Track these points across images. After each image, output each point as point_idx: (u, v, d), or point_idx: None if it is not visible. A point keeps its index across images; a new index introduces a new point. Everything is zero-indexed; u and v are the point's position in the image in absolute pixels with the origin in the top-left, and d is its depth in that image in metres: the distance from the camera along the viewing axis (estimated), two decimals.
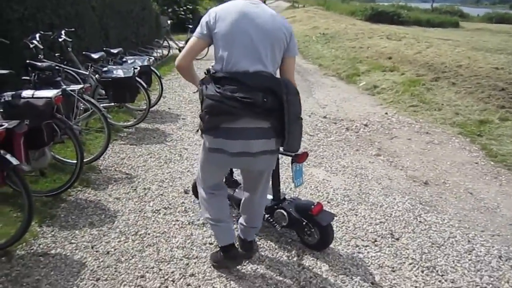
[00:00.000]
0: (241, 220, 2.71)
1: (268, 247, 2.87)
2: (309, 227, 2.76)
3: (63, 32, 5.28)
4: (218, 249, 2.63)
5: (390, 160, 4.44)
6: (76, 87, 3.83)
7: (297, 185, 2.78)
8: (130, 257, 2.73)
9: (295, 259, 2.75)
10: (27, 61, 4.05)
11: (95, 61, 4.99)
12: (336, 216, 3.05)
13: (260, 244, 2.88)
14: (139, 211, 3.32)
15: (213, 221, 2.52)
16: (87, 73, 5.01)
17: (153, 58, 5.84)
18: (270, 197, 2.92)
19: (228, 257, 2.56)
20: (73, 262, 2.69)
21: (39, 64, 4.03)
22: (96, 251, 2.80)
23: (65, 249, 2.82)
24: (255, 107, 2.10)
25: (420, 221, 3.22)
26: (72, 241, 2.92)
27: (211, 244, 2.88)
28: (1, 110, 3.27)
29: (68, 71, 5.12)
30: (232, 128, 2.16)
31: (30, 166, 2.77)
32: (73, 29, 5.68)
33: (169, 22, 11.75)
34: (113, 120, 5.32)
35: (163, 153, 4.51)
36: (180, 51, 10.48)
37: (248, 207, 2.65)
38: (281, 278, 2.56)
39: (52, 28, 5.66)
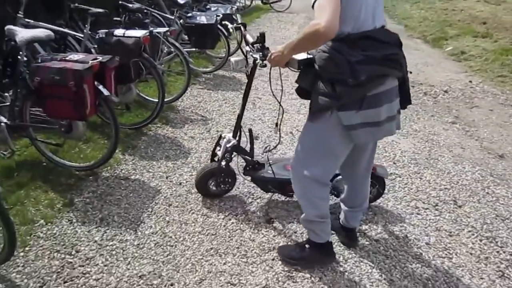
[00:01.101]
0: (344, 205, 2.45)
1: None
2: (373, 185, 2.66)
3: None
4: (306, 245, 2.33)
5: (466, 129, 4.27)
6: (162, 29, 4.05)
7: None
8: (193, 197, 2.98)
9: None
10: (120, 1, 4.33)
11: (181, 7, 5.18)
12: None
13: None
14: (210, 151, 3.54)
15: (324, 217, 2.19)
16: (172, 17, 5.24)
17: (235, 7, 5.91)
18: None
19: (327, 253, 2.34)
20: (150, 188, 2.99)
21: (130, 5, 4.29)
22: (170, 181, 3.08)
23: (143, 176, 3.13)
24: (398, 63, 1.90)
25: (487, 193, 3.13)
26: (150, 170, 3.22)
27: None
28: (96, 46, 3.60)
29: (155, 14, 5.40)
30: (379, 93, 1.87)
31: (119, 99, 3.04)
32: None
33: None
34: (193, 65, 5.56)
35: (237, 100, 4.69)
36: (263, 2, 10.52)
37: (353, 185, 2.37)
38: None
39: None
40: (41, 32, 2.81)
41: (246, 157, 2.80)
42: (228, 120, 4.16)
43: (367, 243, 2.53)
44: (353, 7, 1.78)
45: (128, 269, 2.26)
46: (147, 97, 4.32)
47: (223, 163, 2.72)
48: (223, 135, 2.78)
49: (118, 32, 3.49)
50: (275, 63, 2.04)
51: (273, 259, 2.36)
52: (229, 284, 2.19)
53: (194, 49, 5.31)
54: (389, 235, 2.62)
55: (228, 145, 2.71)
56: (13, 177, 2.97)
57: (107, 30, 3.50)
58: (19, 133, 3.09)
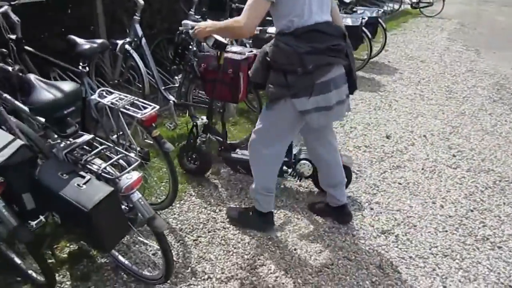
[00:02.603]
0: (327, 187, 2.67)
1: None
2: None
3: None
4: (250, 212, 2.66)
5: None
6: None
7: None
8: None
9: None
10: None
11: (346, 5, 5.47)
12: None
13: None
14: (343, 144, 3.77)
15: (270, 191, 2.51)
16: None
17: (381, 10, 5.99)
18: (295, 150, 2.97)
19: (267, 222, 2.63)
20: None
21: None
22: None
23: None
24: (342, 52, 2.13)
25: None
26: None
27: (400, 179, 3.16)
28: (251, 41, 4.08)
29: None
30: (327, 80, 2.10)
31: None
32: None
33: None
34: None
35: (373, 101, 4.81)
36: (412, 6, 10.27)
37: (329, 162, 2.58)
38: None
39: None
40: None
41: (218, 138, 3.12)
42: (363, 118, 4.32)
43: None
44: (296, 6, 2.03)
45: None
46: None
47: (198, 141, 3.06)
48: (201, 117, 3.09)
49: (271, 29, 3.90)
50: (195, 35, 2.43)
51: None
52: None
53: None
54: None
55: (199, 124, 3.01)
56: (175, 146, 3.58)
57: (261, 28, 3.95)
58: (182, 111, 3.70)
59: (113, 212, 1.67)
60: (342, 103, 2.22)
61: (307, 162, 2.88)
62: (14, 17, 2.59)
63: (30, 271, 2.12)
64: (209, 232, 2.61)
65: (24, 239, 1.73)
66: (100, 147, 1.83)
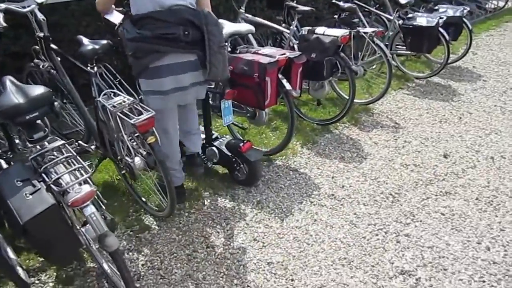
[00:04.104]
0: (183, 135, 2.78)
1: None
2: (238, 163, 2.90)
3: None
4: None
5: None
6: (369, 30, 3.98)
7: (226, 123, 2.98)
8: (358, 197, 2.88)
9: None
10: (332, 1, 4.44)
11: (401, 7, 4.94)
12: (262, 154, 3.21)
13: None
14: (389, 161, 3.35)
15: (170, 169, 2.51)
16: (391, 18, 5.06)
17: (467, 9, 5.27)
18: (202, 136, 3.00)
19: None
20: (312, 184, 3.04)
21: (341, 4, 4.35)
22: (334, 182, 3.07)
23: (311, 172, 3.20)
24: (178, 41, 2.20)
25: None
26: (320, 167, 3.27)
27: (445, 208, 2.70)
28: (298, 42, 3.81)
29: (378, 14, 5.32)
30: (161, 66, 2.24)
31: (298, 92, 3.17)
32: None
33: None
34: (407, 69, 5.29)
35: (441, 112, 4.25)
36: None
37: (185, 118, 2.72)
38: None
39: None
40: (242, 26, 3.13)
41: None
42: (422, 132, 3.82)
43: None
44: None
45: (261, 253, 2.39)
46: (341, 92, 4.33)
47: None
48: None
49: (319, 30, 3.60)
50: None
51: None
52: None
53: (408, 51, 5.01)
54: None
55: None
56: None
57: (309, 28, 3.66)
58: (216, 112, 3.55)
59: (55, 226, 1.57)
60: (183, 90, 2.35)
61: (212, 148, 2.97)
62: (40, 16, 2.64)
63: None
64: (207, 247, 2.44)
65: None
66: (62, 156, 1.75)
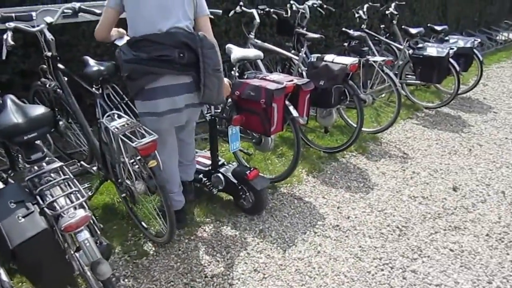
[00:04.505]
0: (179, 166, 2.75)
1: None
2: (244, 191, 2.82)
3: (392, 5, 5.42)
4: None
5: None
6: (378, 58, 3.96)
7: (233, 149, 2.93)
8: (364, 229, 2.79)
9: None
10: (342, 29, 4.45)
11: (412, 36, 4.94)
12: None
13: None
14: (396, 192, 3.27)
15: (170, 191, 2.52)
16: (401, 47, 5.05)
17: (478, 40, 5.26)
18: (208, 162, 3.02)
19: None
20: (317, 214, 2.96)
21: (350, 32, 4.35)
22: (339, 212, 2.99)
23: (316, 201, 3.13)
24: (173, 63, 2.21)
25: None
26: (325, 196, 3.20)
27: (454, 244, 2.60)
28: (306, 69, 3.79)
29: (388, 43, 5.31)
30: (156, 87, 2.25)
31: (305, 120, 3.12)
32: (403, 3, 5.74)
33: None
34: (416, 98, 5.25)
35: (451, 143, 4.17)
36: None
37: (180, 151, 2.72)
38: None
39: (387, 0, 5.91)
40: (251, 52, 3.12)
41: None
42: (431, 163, 3.74)
43: None
44: (132, 18, 2.25)
45: (261, 285, 2.30)
46: (349, 120, 4.29)
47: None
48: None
49: (328, 57, 3.58)
50: None
51: None
52: None
53: (418, 81, 4.97)
54: None
55: None
56: None
57: (318, 55, 3.65)
58: (222, 137, 3.51)
59: (46, 251, 1.51)
60: (178, 111, 2.34)
61: (218, 174, 2.91)
62: (49, 36, 2.64)
63: None
64: (205, 277, 2.36)
65: None
66: (59, 178, 1.70)
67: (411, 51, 4.88)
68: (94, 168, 2.83)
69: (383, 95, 4.98)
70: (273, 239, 2.69)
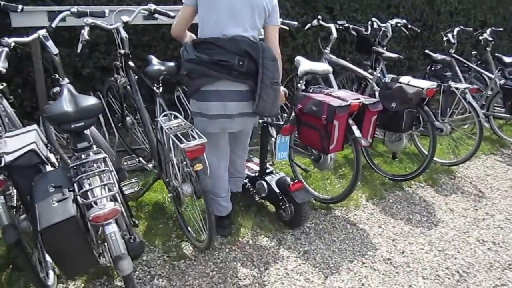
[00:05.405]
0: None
1: None
2: (284, 202, 2.74)
3: (488, 30, 5.00)
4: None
5: None
6: (462, 85, 3.67)
7: (279, 158, 2.87)
8: (419, 267, 2.55)
9: None
10: (426, 51, 4.18)
11: (506, 65, 4.51)
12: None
13: None
14: (463, 232, 2.96)
15: (216, 195, 2.58)
16: (493, 76, 4.63)
17: None
18: (257, 168, 2.98)
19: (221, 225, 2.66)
20: (369, 243, 2.77)
21: (433, 55, 4.06)
22: (394, 245, 2.76)
23: (371, 229, 2.93)
24: (232, 69, 2.23)
25: None
26: (382, 226, 2.98)
27: None
28: (379, 89, 3.60)
29: (478, 70, 4.92)
30: (211, 90, 2.28)
31: (368, 142, 2.94)
32: (501, 29, 5.27)
33: None
34: (504, 133, 4.78)
35: None
36: None
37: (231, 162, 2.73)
38: None
39: (483, 25, 5.49)
40: (319, 66, 3.02)
41: None
42: (509, 206, 3.35)
43: None
44: (202, 19, 2.31)
45: None
46: (422, 148, 3.99)
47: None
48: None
49: (404, 79, 3.37)
50: None
51: None
52: None
53: (508, 115, 4.52)
54: None
55: None
56: None
57: (394, 76, 3.45)
58: None
59: (70, 238, 1.53)
60: (229, 118, 2.35)
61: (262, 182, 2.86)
62: (124, 34, 2.76)
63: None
64: None
65: (8, 239, 1.72)
66: (98, 170, 1.73)
67: (502, 81, 4.46)
68: (150, 165, 2.89)
69: (466, 126, 4.57)
70: (316, 262, 2.55)
